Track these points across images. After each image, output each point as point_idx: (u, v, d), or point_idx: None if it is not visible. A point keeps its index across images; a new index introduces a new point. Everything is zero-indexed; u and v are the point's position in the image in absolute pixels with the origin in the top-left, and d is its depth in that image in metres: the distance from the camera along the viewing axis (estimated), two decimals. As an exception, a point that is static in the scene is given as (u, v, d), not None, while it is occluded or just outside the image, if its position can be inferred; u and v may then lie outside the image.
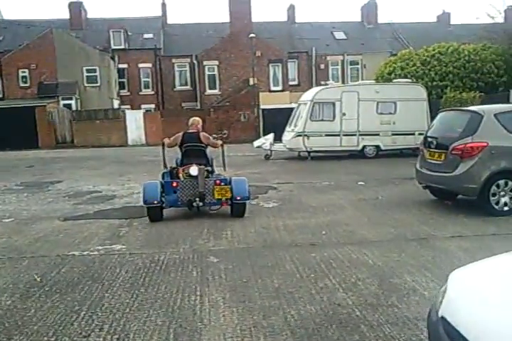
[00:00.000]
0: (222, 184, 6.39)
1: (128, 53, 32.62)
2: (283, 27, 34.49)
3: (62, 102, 27.16)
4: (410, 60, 19.00)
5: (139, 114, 25.78)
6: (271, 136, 14.48)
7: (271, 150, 14.34)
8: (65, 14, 35.53)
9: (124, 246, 4.93)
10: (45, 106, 24.86)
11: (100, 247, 4.91)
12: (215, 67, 30.64)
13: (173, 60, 33.24)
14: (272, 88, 29.86)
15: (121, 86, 32.71)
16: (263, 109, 25.70)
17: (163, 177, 7.04)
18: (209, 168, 6.90)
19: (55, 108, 25.41)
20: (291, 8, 36.12)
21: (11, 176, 11.62)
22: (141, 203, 6.15)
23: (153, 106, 32.69)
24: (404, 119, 13.52)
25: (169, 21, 36.82)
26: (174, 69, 33.41)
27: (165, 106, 32.87)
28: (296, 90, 29.07)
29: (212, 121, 25.57)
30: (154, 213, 6.07)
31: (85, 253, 4.73)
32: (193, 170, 6.50)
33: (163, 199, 6.09)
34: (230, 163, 13.26)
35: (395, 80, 16.07)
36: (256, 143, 15.04)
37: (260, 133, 24.59)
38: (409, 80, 16.07)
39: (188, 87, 33.42)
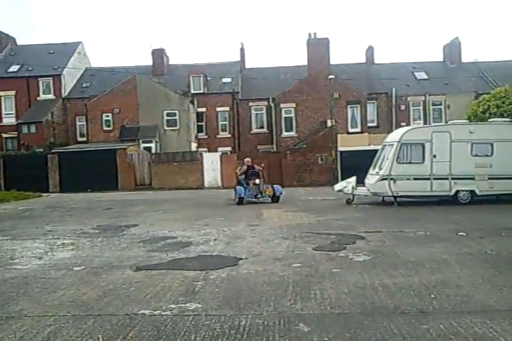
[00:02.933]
0: (269, 187, 15.14)
1: (207, 97, 33.34)
2: (361, 68, 34.10)
3: (142, 145, 27.85)
4: (507, 98, 17.78)
5: (215, 157, 25.83)
6: (353, 180, 13.68)
7: (353, 195, 13.51)
8: (148, 61, 37.17)
9: (199, 306, 4.32)
10: (126, 148, 25.50)
11: (173, 305, 4.32)
12: (292, 109, 30.52)
13: (250, 103, 33.55)
14: (350, 130, 29.21)
15: (200, 129, 33.29)
16: (341, 152, 24.98)
17: (237, 185, 15.36)
18: (262, 180, 15.23)
19: (136, 151, 26.03)
20: (370, 50, 35.78)
21: (88, 219, 11.54)
22: (216, 252, 5.93)
23: (229, 148, 32.90)
24: (502, 162, 12.33)
25: (247, 65, 37.48)
26: (251, 112, 33.69)
27: (241, 148, 32.98)
28: (375, 132, 28.24)
29: (289, 163, 25.16)
30: (241, 200, 14.40)
31: (157, 312, 4.16)
32: (257, 181, 15.11)
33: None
34: (309, 208, 12.73)
35: (490, 119, 14.92)
36: (337, 187, 14.28)
37: (338, 176, 23.81)
38: (508, 119, 14.85)
39: (265, 130, 33.45)
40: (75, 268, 5.93)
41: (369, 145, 24.01)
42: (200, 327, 3.77)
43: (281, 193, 15.09)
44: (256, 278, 5.29)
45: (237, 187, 14.99)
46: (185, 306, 4.31)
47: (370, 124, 30.38)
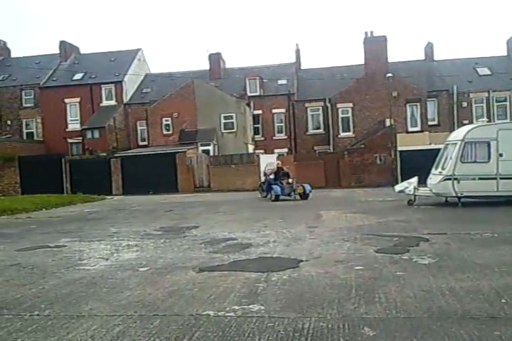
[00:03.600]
0: (300, 186, 17.16)
1: (263, 99, 33.50)
2: (421, 65, 33.25)
3: (201, 148, 28.34)
4: None
5: (272, 159, 25.83)
6: (415, 180, 13.32)
7: (415, 196, 13.17)
8: (205, 65, 37.78)
9: (262, 307, 4.33)
10: (185, 152, 26.01)
11: (237, 307, 4.36)
12: (349, 109, 30.17)
13: (306, 104, 33.43)
14: (410, 129, 28.55)
15: (256, 131, 33.48)
16: (400, 151, 24.40)
17: (263, 184, 18.55)
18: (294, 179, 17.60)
19: (195, 154, 26.51)
20: (429, 46, 34.80)
21: (151, 221, 11.86)
22: (277, 254, 6.31)
23: (286, 150, 32.91)
24: None
25: (303, 66, 37.37)
26: (307, 113, 33.56)
27: (297, 150, 32.91)
28: (436, 130, 27.45)
29: (347, 164, 24.84)
30: (277, 198, 16.61)
31: (221, 313, 4.20)
32: (290, 180, 17.50)
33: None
34: (369, 210, 12.52)
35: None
36: (398, 188, 13.96)
37: (398, 176, 23.27)
38: None
39: (321, 131, 33.24)
40: (140, 269, 6.10)
41: (430, 144, 23.34)
42: (264, 329, 3.78)
43: (310, 191, 17.47)
44: (318, 280, 5.25)
45: (274, 186, 17.20)
46: (249, 308, 4.33)
47: (430, 123, 29.56)
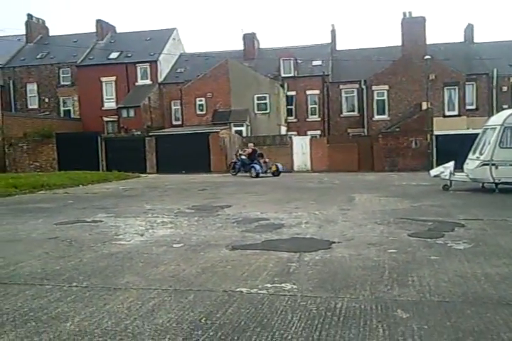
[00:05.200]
0: (274, 165, 20.86)
1: (297, 80, 33.22)
2: (460, 48, 32.32)
3: (234, 129, 28.41)
4: None
5: (305, 140, 25.77)
6: (451, 165, 13.07)
7: (450, 180, 12.94)
8: (239, 45, 37.58)
9: (295, 286, 4.36)
10: (218, 132, 26.11)
11: (269, 285, 4.41)
12: (385, 91, 29.67)
13: (341, 86, 33.02)
14: (447, 113, 27.93)
15: (289, 112, 33.30)
16: (437, 136, 23.94)
17: (236, 163, 21.67)
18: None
19: (227, 134, 26.58)
20: (469, 28, 33.76)
21: (184, 199, 12.02)
22: (309, 235, 6.36)
23: (319, 132, 32.71)
24: None
25: (338, 47, 36.79)
26: (341, 95, 33.19)
27: (331, 132, 32.67)
28: (474, 115, 26.82)
29: (381, 147, 24.54)
30: (258, 175, 20.12)
31: (253, 291, 4.26)
32: (267, 159, 20.93)
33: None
34: (403, 194, 12.38)
35: None
36: (433, 172, 13.73)
37: (433, 161, 22.89)
38: None
39: (355, 113, 32.86)
40: (174, 245, 6.21)
41: (467, 129, 22.82)
42: (296, 308, 3.81)
43: (282, 170, 21.18)
44: (350, 261, 5.25)
45: (255, 165, 20.43)
46: (281, 286, 4.37)
47: (468, 107, 28.86)
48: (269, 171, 20.77)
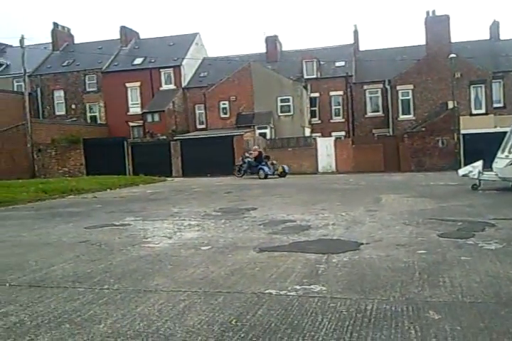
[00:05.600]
0: (280, 166, 21.92)
1: (320, 82, 33.14)
2: (485, 45, 31.80)
3: (257, 131, 28.47)
4: None
5: (330, 142, 25.66)
6: (479, 164, 12.85)
7: (479, 180, 12.72)
8: (261, 48, 37.68)
9: (324, 288, 4.35)
10: (242, 135, 26.20)
11: (298, 287, 4.40)
12: (410, 91, 29.36)
13: (365, 87, 32.81)
14: (474, 111, 27.48)
15: (313, 114, 33.22)
16: (463, 134, 23.58)
17: (241, 166, 22.66)
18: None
19: (252, 137, 26.65)
20: (495, 25, 33.19)
21: (211, 202, 12.09)
22: (336, 237, 6.29)
23: (343, 133, 32.56)
24: None
25: (361, 48, 36.58)
26: (365, 96, 32.96)
27: (355, 133, 32.47)
28: (502, 113, 26.37)
29: (407, 147, 24.30)
30: (267, 176, 21.25)
31: (283, 292, 4.26)
32: (274, 161, 22.12)
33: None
34: (431, 194, 12.21)
35: None
36: (461, 172, 13.53)
37: (461, 160, 22.56)
38: None
39: (380, 113, 32.61)
40: (202, 248, 6.25)
41: (495, 127, 22.43)
42: (326, 309, 3.80)
43: (288, 171, 22.32)
44: (379, 263, 5.20)
45: (264, 166, 21.56)
46: (310, 288, 4.36)
47: (495, 105, 28.36)
48: (276, 172, 21.91)
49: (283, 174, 21.94)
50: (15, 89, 36.88)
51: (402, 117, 29.73)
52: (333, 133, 31.64)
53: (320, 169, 25.04)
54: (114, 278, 4.89)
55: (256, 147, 23.36)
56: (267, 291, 4.30)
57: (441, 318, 3.53)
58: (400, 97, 29.72)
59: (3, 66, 39.68)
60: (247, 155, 22.74)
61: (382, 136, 29.32)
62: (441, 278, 4.55)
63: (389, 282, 4.48)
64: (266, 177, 21.11)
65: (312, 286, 4.41)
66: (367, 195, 12.53)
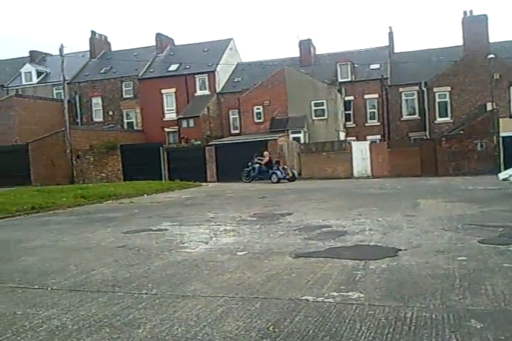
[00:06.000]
0: (290, 171, 22.94)
1: (354, 85, 32.90)
2: (527, 45, 30.92)
3: (291, 135, 28.43)
4: None
5: (365, 145, 25.39)
6: (521, 167, 12.51)
7: (521, 184, 12.38)
8: (295, 52, 37.67)
9: (362, 295, 4.30)
10: (276, 139, 26.21)
11: (335, 293, 4.36)
12: (447, 93, 28.81)
13: (400, 89, 32.39)
14: (514, 113, 26.71)
15: (347, 118, 32.99)
16: (503, 137, 22.96)
17: (251, 171, 23.66)
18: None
19: (286, 141, 26.63)
20: (536, 24, 32.17)
21: (245, 207, 12.13)
22: (373, 242, 6.24)
23: (378, 137, 32.19)
24: None
25: (396, 50, 36.16)
26: (401, 99, 32.54)
27: (391, 136, 32.06)
28: (544, 114, 25.53)
29: (444, 151, 23.83)
30: (279, 180, 22.24)
31: (320, 299, 4.23)
32: (285, 166, 23.30)
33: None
34: (470, 198, 11.94)
35: None
36: (502, 175, 13.18)
37: (500, 163, 21.97)
38: None
39: (416, 116, 32.14)
40: (238, 253, 6.27)
41: (537, 129, 21.77)
42: (364, 317, 3.75)
43: (297, 175, 23.49)
44: (418, 270, 5.11)
45: (277, 171, 22.58)
46: (348, 295, 4.32)
47: (537, 106, 27.50)
48: (286, 177, 22.83)
49: (292, 178, 22.84)
50: (54, 97, 37.95)
51: (439, 120, 29.18)
52: (368, 137, 31.30)
53: (355, 173, 24.79)
54: (152, 282, 4.96)
55: (266, 153, 24.12)
56: (303, 298, 4.28)
57: (483, 327, 3.44)
58: (437, 99, 29.19)
59: (44, 74, 40.88)
60: (256, 160, 23.59)
61: (418, 139, 28.85)
62: (483, 285, 4.44)
63: (428, 289, 4.39)
64: (279, 181, 22.12)
65: (350, 293, 4.37)
66: (404, 200, 12.34)
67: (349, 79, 33.09)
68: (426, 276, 4.84)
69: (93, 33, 42.10)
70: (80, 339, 3.48)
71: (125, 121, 38.24)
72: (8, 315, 4.05)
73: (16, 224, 10.61)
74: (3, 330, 3.71)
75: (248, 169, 23.92)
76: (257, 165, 23.24)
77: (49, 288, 4.88)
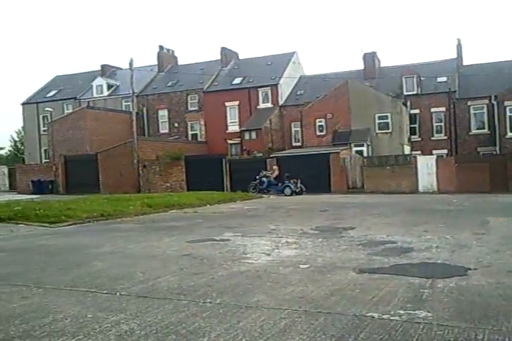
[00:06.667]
0: (299, 185, 23.69)
1: (420, 98, 32.22)
2: None
3: (354, 149, 28.12)
4: None
5: (431, 160, 24.67)
6: None
7: None
8: (359, 65, 37.40)
9: (429, 314, 4.17)
10: (338, 152, 25.99)
11: (402, 311, 4.25)
12: (520, 106, 27.57)
13: (469, 103, 31.37)
14: None
15: (413, 131, 32.28)
16: None
17: (259, 184, 24.53)
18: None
19: (348, 154, 26.36)
20: None
21: (307, 220, 12.07)
22: (441, 260, 6.12)
23: (445, 151, 31.25)
24: None
25: (465, 62, 35.10)
26: (469, 112, 31.50)
27: (458, 151, 31.03)
28: None
29: (516, 167, 22.73)
30: (292, 194, 23.53)
31: (385, 316, 4.13)
32: (296, 180, 23.71)
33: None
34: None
35: None
36: None
37: None
38: None
39: (485, 131, 31.00)
40: (300, 266, 6.24)
41: None
42: (432, 337, 3.64)
43: (304, 189, 23.88)
44: (489, 290, 4.90)
45: (290, 185, 23.71)
46: (414, 313, 4.20)
47: None
48: (296, 190, 23.77)
49: (300, 192, 23.72)
50: (123, 109, 39.46)
51: (510, 134, 27.98)
52: (434, 151, 30.43)
53: (420, 188, 24.11)
54: (216, 292, 5.02)
55: (275, 167, 25.37)
56: (368, 314, 4.20)
57: (562, 354, 3.25)
58: (508, 113, 28.02)
59: (114, 87, 42.66)
60: (265, 173, 24.77)
61: (488, 154, 27.75)
62: (561, 310, 4.20)
63: (501, 311, 4.20)
64: (291, 194, 23.34)
65: (417, 312, 4.25)
66: (472, 217, 11.88)
67: (415, 92, 32.42)
68: (497, 297, 4.63)
69: (161, 47, 43.61)
70: (147, 345, 3.57)
71: (189, 132, 39.16)
72: (79, 318, 4.23)
73: (86, 230, 11.08)
74: (76, 332, 3.88)
75: (255, 182, 24.72)
76: (266, 179, 24.29)
77: (118, 294, 5.04)
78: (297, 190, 23.70)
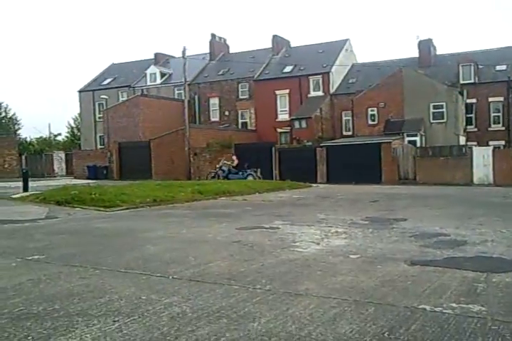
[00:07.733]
0: (259, 175, 25.01)
1: (477, 87, 31.10)
2: None
3: (406, 139, 27.54)
4: None
5: (487, 151, 23.84)
6: None
7: None
8: (413, 53, 36.42)
9: (484, 309, 4.07)
10: (390, 142, 25.51)
11: (455, 305, 4.17)
12: None
13: (530, 92, 29.93)
14: None
15: (469, 121, 31.24)
16: None
17: (223, 172, 25.23)
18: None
19: (400, 144, 25.83)
20: None
21: (357, 210, 11.95)
22: (497, 255, 5.95)
23: (503, 142, 30.15)
24: None
25: (528, 49, 33.47)
26: (530, 102, 30.07)
27: (517, 142, 29.78)
28: None
29: None
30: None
31: (437, 309, 4.07)
32: (255, 170, 25.09)
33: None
34: None
35: None
36: None
37: None
38: None
39: (547, 121, 29.51)
40: (350, 256, 6.21)
41: None
42: (486, 332, 3.56)
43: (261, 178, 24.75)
44: (549, 286, 4.73)
45: (252, 173, 24.67)
46: (468, 307, 4.11)
47: None
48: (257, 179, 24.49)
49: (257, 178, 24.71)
50: (175, 97, 40.07)
51: None
52: (491, 142, 29.37)
53: (475, 180, 23.37)
54: (265, 278, 5.08)
55: (235, 157, 26.41)
56: (420, 306, 4.14)
57: None
58: None
59: (167, 75, 43.34)
60: (225, 162, 25.66)
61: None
62: None
63: (561, 309, 4.05)
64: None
65: (470, 305, 4.16)
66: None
67: (472, 81, 31.29)
68: (558, 295, 4.46)
69: (213, 36, 43.85)
70: (199, 327, 3.67)
71: (240, 120, 39.37)
72: (134, 299, 4.38)
73: (140, 215, 11.39)
74: (130, 312, 4.02)
75: (215, 171, 25.88)
76: (226, 168, 25.21)
77: (170, 277, 5.18)
78: (258, 179, 24.38)
